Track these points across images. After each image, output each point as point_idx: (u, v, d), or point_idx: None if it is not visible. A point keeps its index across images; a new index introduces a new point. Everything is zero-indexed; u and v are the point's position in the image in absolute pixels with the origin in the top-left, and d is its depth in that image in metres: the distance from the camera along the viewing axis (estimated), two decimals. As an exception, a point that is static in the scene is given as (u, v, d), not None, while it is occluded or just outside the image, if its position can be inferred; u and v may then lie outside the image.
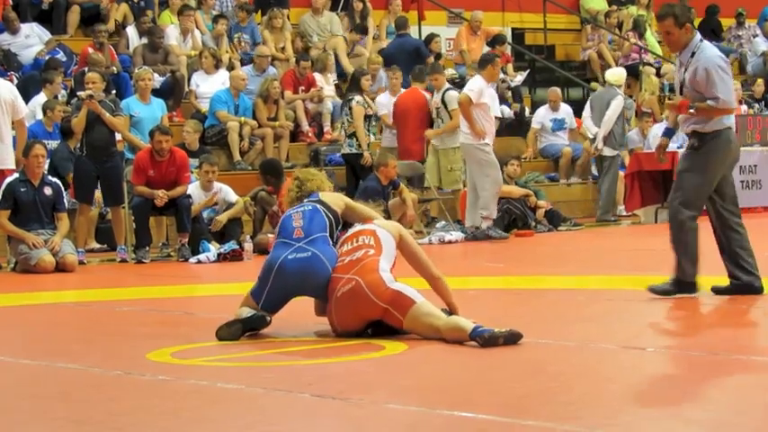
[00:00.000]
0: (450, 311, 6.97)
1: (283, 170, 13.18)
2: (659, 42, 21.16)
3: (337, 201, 7.40)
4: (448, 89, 15.07)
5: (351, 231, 7.20)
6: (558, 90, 18.36)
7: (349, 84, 15.61)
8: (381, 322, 6.90)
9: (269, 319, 7.06)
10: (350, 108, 14.86)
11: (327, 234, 7.13)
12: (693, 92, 8.11)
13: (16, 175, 12.00)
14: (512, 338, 6.49)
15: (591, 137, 16.73)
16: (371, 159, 14.60)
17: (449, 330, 6.71)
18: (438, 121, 15.08)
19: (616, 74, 17.14)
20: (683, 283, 8.15)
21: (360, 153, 14.81)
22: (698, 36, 8.21)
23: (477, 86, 13.87)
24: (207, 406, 5.23)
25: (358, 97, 14.95)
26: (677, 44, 8.16)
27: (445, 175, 15.00)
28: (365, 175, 14.49)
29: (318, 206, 7.26)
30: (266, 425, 4.94)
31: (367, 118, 14.98)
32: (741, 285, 8.17)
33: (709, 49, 8.20)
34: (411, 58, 16.64)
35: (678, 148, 15.76)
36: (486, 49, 19.03)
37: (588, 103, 17.27)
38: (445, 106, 14.92)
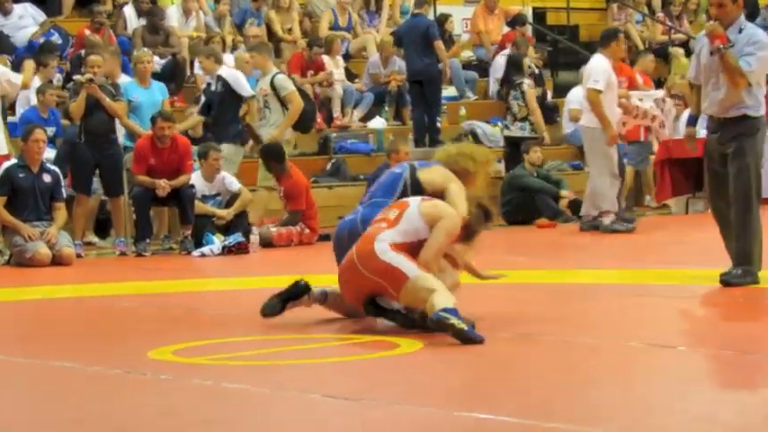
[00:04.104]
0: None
1: (285, 155, 13.18)
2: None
3: (435, 177, 7.28)
4: (276, 74, 14.03)
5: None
6: None
7: (511, 67, 15.23)
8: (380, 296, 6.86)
9: (312, 288, 7.21)
10: (522, 91, 14.91)
11: (394, 200, 7.18)
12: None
13: (14, 160, 12.01)
14: (460, 336, 6.34)
15: None
16: (548, 140, 15.55)
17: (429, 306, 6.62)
18: (265, 111, 13.85)
19: None
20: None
21: (531, 136, 15.03)
22: (743, 15, 8.36)
23: (603, 69, 12.71)
24: (211, 407, 5.23)
25: (528, 80, 15.08)
26: (728, 17, 8.29)
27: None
28: None
29: (407, 174, 7.31)
30: (274, 427, 4.93)
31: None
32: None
33: (757, 28, 8.50)
34: (421, 40, 16.49)
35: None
36: (506, 29, 18.94)
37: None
38: (276, 93, 13.83)
